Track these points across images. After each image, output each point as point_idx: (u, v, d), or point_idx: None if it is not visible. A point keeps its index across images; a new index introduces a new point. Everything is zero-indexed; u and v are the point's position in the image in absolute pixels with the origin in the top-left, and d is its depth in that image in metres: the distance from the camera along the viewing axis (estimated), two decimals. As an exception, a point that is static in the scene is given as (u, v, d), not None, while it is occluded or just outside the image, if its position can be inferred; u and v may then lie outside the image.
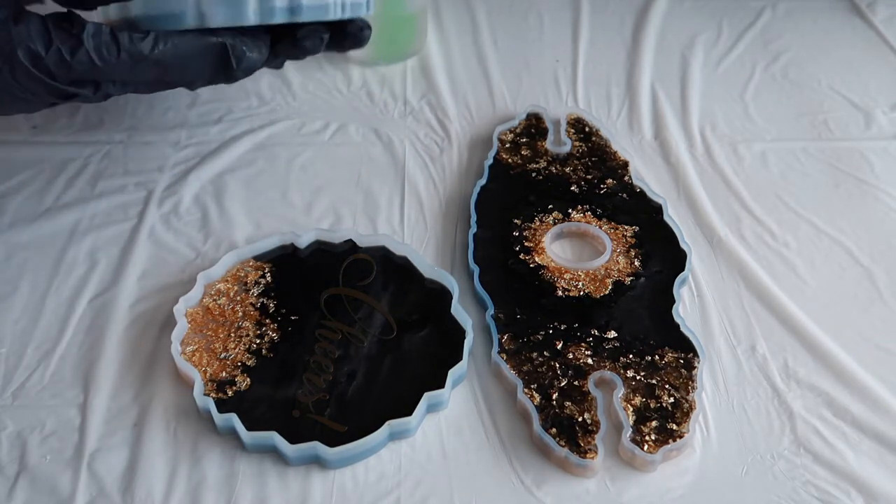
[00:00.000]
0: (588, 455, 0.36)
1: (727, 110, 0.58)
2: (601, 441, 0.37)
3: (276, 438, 0.36)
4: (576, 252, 0.47)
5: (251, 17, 0.40)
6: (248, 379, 0.39)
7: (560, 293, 0.44)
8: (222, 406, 0.38)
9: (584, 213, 0.48)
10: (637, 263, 0.45)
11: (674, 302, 0.43)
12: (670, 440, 0.37)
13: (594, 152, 0.53)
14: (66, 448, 0.38)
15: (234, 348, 0.41)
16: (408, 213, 0.50)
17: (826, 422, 0.39)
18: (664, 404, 0.39)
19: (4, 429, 0.38)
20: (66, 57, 0.36)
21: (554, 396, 0.39)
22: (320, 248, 0.46)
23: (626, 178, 0.51)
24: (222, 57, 0.40)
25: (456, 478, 0.37)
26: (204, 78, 0.41)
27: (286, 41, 0.42)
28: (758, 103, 0.59)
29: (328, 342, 0.41)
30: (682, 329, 0.42)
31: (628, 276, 0.45)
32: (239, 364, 0.40)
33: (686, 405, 0.39)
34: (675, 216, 0.49)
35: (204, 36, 0.39)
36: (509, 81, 0.61)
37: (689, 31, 0.66)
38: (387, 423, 0.37)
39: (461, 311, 0.42)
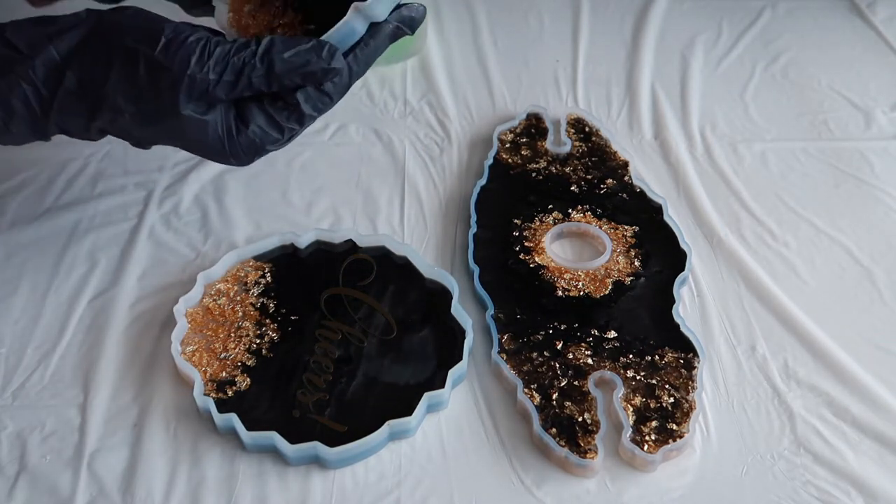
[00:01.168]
0: (588, 455, 0.36)
1: (727, 110, 0.58)
2: (601, 441, 0.37)
3: (276, 438, 0.36)
4: (576, 252, 0.47)
5: None
6: (248, 379, 0.39)
7: (560, 293, 0.44)
8: (222, 406, 0.38)
9: (584, 213, 0.48)
10: (637, 263, 0.45)
11: (674, 302, 0.43)
12: (670, 440, 0.37)
13: (594, 152, 0.53)
14: (66, 448, 0.38)
15: (234, 348, 0.41)
16: (408, 213, 0.50)
17: (826, 422, 0.39)
18: (664, 404, 0.38)
19: (4, 429, 0.38)
20: (296, 128, 0.39)
21: (554, 396, 0.39)
22: (320, 248, 0.46)
23: (626, 178, 0.51)
24: (397, 37, 0.40)
25: (456, 478, 0.37)
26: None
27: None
28: (758, 103, 0.59)
29: (328, 342, 0.41)
30: (682, 329, 0.42)
31: (628, 276, 0.45)
32: (239, 364, 0.40)
33: (686, 405, 0.38)
34: (675, 216, 0.49)
35: (379, 30, 0.40)
36: (509, 81, 0.61)
37: (689, 31, 0.66)
38: (387, 423, 0.37)
39: (461, 311, 0.42)
